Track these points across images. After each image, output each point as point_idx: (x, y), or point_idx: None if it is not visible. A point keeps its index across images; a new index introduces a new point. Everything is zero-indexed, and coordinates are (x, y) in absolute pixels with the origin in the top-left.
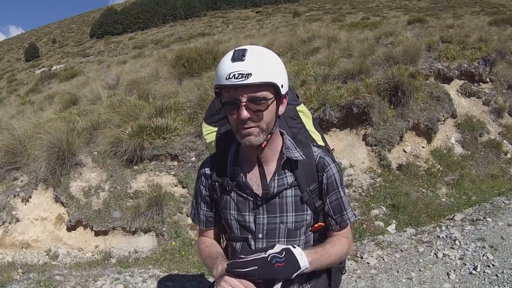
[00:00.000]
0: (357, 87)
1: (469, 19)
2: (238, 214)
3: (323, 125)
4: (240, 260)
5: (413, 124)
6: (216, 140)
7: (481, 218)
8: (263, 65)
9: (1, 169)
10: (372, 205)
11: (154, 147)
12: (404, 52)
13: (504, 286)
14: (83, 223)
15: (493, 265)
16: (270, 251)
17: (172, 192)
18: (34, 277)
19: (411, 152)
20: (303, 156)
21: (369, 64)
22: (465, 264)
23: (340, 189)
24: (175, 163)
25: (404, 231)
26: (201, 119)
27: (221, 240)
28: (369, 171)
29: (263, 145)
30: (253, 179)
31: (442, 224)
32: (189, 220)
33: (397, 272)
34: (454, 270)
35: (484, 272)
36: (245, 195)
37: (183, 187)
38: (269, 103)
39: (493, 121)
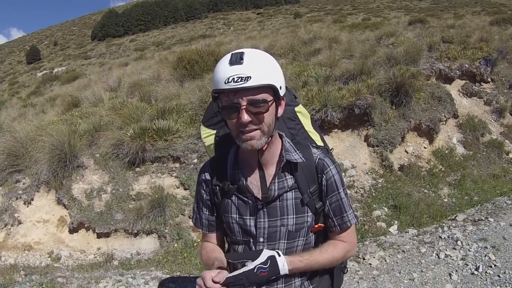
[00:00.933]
0: (358, 88)
1: (470, 19)
2: (239, 217)
3: (324, 126)
4: (231, 275)
5: (414, 124)
6: (215, 143)
7: (483, 219)
8: (261, 67)
9: (3, 171)
10: (374, 206)
11: (156, 149)
12: (405, 52)
13: (506, 286)
14: (85, 225)
15: (495, 265)
16: (256, 262)
17: (174, 194)
18: (36, 279)
19: (413, 152)
20: (303, 158)
21: (371, 64)
22: (467, 265)
23: (340, 191)
24: (177, 165)
25: (406, 232)
26: None
27: (225, 243)
28: (371, 172)
29: (263, 148)
30: (253, 182)
31: (444, 224)
32: (191, 222)
33: (399, 273)
34: (456, 271)
35: (486, 272)
36: (245, 199)
37: (185, 189)
38: (269, 105)
39: (495, 121)
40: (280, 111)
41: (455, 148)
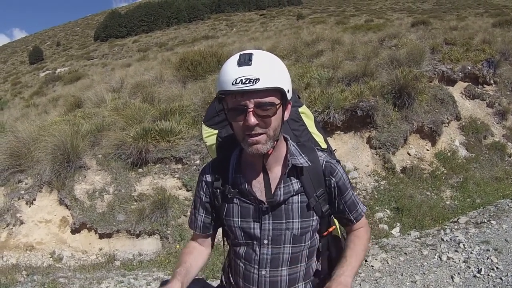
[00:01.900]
0: (361, 89)
1: (472, 21)
2: (242, 221)
3: (327, 128)
4: None
5: (417, 126)
6: (216, 143)
7: (486, 221)
8: (270, 70)
9: (6, 171)
10: (377, 208)
11: (159, 150)
12: (408, 54)
13: None
14: (88, 225)
15: (497, 268)
16: None
17: (177, 195)
18: (38, 279)
19: (415, 154)
20: (308, 162)
21: (373, 66)
22: (469, 267)
23: (349, 188)
24: (180, 166)
25: (408, 234)
26: None
27: (224, 244)
28: (373, 174)
29: (269, 152)
30: (256, 185)
31: (446, 227)
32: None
33: (401, 275)
34: (458, 273)
35: (488, 275)
36: (248, 202)
37: (188, 190)
38: (277, 108)
39: (497, 123)
40: (287, 114)
41: (457, 151)
